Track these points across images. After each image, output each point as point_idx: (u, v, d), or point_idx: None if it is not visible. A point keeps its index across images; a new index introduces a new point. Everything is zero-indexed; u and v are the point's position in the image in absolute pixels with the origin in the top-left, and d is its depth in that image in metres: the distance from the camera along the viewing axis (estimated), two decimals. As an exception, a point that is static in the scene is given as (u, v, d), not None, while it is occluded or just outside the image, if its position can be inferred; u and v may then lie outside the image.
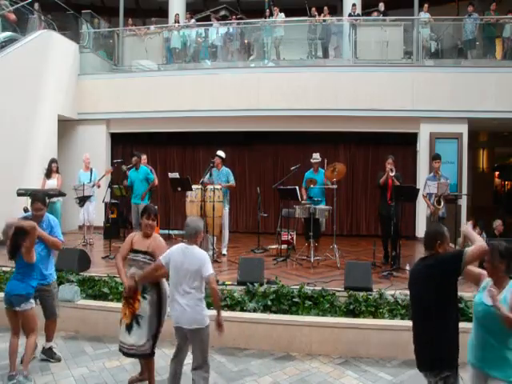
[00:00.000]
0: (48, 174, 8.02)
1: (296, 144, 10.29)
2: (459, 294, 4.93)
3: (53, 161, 8.15)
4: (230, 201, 7.86)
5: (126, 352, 3.67)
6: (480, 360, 2.73)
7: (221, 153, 7.55)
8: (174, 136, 10.79)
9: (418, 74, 9.55)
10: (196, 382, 3.42)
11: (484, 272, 2.84)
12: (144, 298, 3.59)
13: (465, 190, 9.32)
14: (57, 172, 8.10)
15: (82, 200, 8.16)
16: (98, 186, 8.44)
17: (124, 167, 8.13)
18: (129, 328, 3.60)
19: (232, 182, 7.53)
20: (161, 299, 3.65)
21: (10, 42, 9.16)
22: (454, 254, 2.81)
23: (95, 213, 8.60)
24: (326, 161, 7.47)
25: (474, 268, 2.94)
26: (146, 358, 3.72)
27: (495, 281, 2.73)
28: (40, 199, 4.20)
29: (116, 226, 9.10)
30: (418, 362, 2.86)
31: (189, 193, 7.25)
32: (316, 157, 7.55)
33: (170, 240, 8.14)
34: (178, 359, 3.57)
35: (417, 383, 3.58)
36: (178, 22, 12.15)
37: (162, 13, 14.25)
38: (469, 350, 2.81)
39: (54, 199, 7.71)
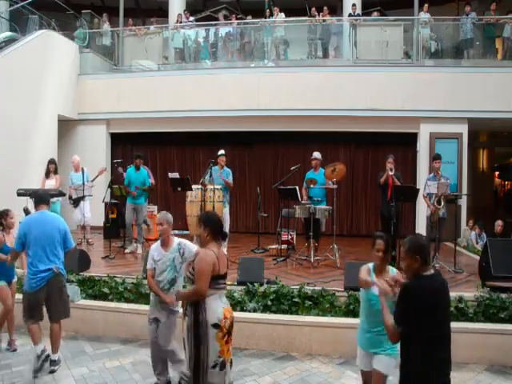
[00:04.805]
0: (47, 174, 8.07)
1: (296, 144, 10.29)
2: (460, 293, 4.97)
3: (50, 161, 8.17)
4: (230, 201, 7.85)
5: None
6: None
7: (223, 152, 7.59)
8: (173, 136, 10.78)
9: (417, 74, 9.53)
10: None
11: None
12: None
13: (465, 190, 9.32)
14: (55, 173, 8.11)
15: (77, 200, 8.16)
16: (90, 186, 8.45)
17: (121, 169, 8.07)
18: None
19: (231, 180, 7.53)
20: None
21: (9, 41, 9.17)
22: None
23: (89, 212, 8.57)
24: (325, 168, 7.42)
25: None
26: None
27: None
28: None
29: (116, 226, 9.05)
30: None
31: (189, 193, 7.24)
32: (315, 155, 7.50)
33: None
34: None
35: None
36: (181, 22, 12.13)
37: (162, 13, 14.24)
38: None
39: (54, 200, 7.70)
